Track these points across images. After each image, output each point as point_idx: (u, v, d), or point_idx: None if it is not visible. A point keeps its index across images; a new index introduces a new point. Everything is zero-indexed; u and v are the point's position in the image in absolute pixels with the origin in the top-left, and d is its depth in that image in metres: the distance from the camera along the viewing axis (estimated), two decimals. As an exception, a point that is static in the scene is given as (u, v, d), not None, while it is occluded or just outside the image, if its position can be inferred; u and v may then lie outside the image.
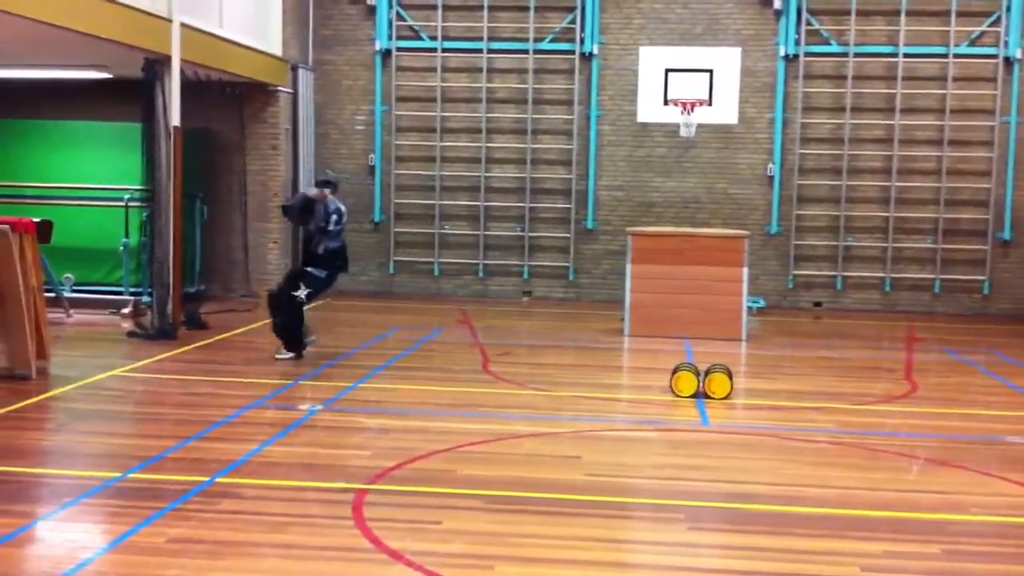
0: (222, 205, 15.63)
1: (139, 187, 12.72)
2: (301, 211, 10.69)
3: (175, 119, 11.98)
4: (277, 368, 10.29)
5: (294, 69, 15.97)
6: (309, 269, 10.64)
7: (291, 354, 10.64)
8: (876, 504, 6.40)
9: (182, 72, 12.10)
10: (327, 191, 10.56)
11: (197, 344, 11.53)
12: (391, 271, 16.96)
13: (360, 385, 9.57)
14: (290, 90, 15.91)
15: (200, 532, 5.59)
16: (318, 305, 15.25)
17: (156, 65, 11.92)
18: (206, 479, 6.48)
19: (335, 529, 5.69)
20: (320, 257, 10.58)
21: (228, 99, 15.11)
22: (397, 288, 16.95)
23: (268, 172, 15.73)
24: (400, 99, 16.82)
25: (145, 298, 13.04)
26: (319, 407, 8.62)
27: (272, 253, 15.78)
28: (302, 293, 10.51)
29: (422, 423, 8.22)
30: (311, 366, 10.37)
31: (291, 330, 10.67)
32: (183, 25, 12.01)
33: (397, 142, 16.83)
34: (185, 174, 12.39)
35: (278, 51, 15.43)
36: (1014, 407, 9.43)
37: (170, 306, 12.02)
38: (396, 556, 5.29)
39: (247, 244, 15.65)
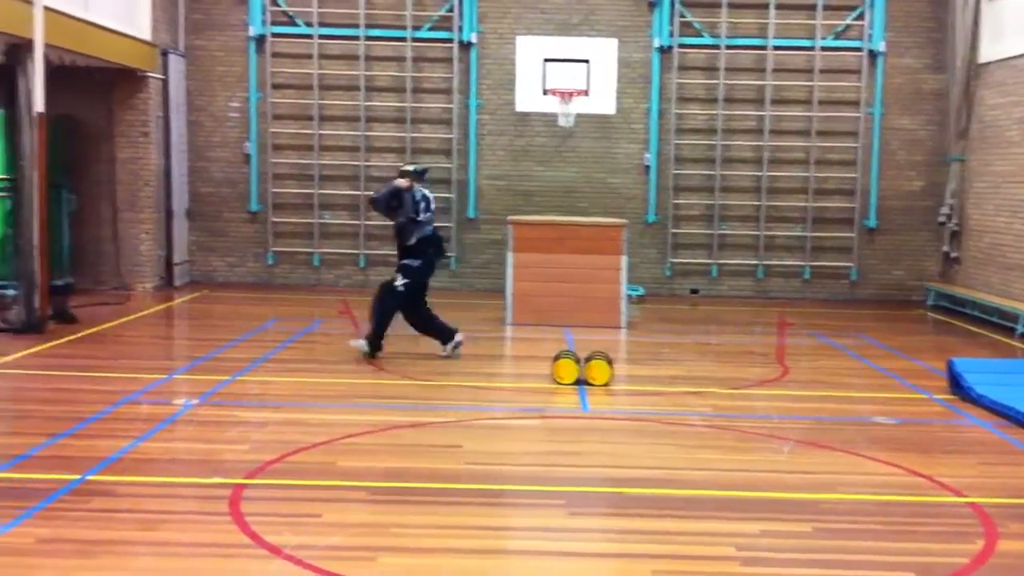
0: (90, 195, 15.11)
1: (1, 176, 12.18)
2: (388, 203, 10.52)
3: (39, 106, 11.52)
4: (151, 363, 9.99)
5: (164, 54, 15.53)
6: (405, 261, 10.55)
7: (367, 348, 10.45)
8: (750, 485, 6.57)
9: (46, 57, 11.64)
10: (412, 180, 10.47)
11: (66, 338, 11.14)
12: (270, 262, 16.67)
13: (238, 378, 9.38)
14: (161, 76, 15.47)
15: (70, 532, 5.41)
16: (195, 297, 14.93)
17: (18, 50, 11.43)
18: (77, 477, 6.27)
19: (211, 525, 5.57)
20: (412, 247, 10.51)
21: (96, 85, 14.61)
22: (276, 279, 16.67)
23: (138, 161, 15.26)
24: (276, 86, 16.52)
25: (10, 291, 12.52)
26: (195, 401, 8.42)
27: (145, 244, 15.34)
28: (400, 283, 10.44)
29: (302, 415, 8.11)
30: (186, 360, 10.13)
31: (380, 320, 10.52)
32: (46, 8, 11.55)
33: (273, 130, 16.54)
34: (50, 163, 11.93)
35: (147, 36, 14.99)
36: (880, 389, 9.78)
37: (37, 299, 11.55)
38: (275, 551, 5.21)
39: (117, 235, 15.18)
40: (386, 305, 10.54)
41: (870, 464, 7.13)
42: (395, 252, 10.83)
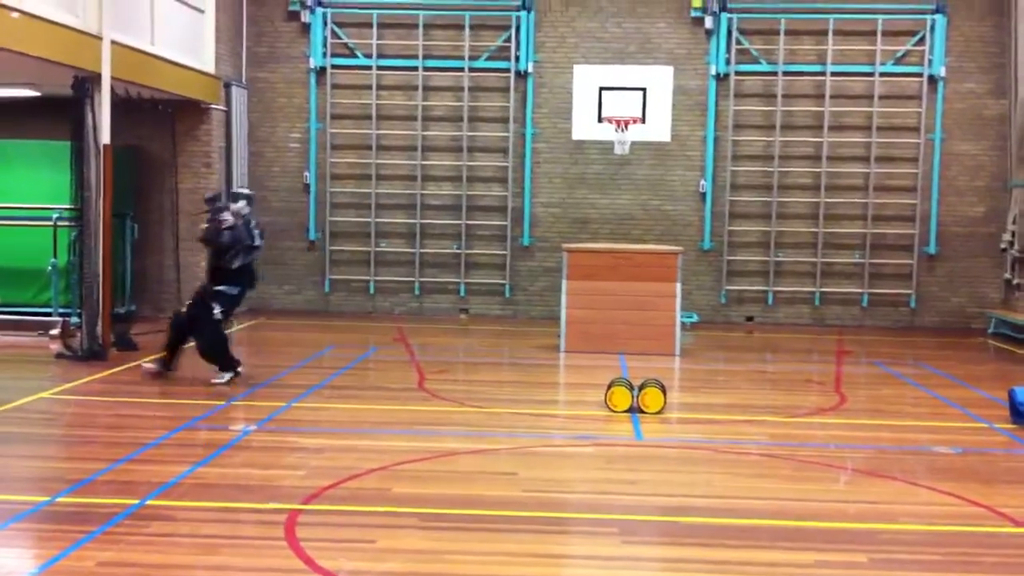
0: (153, 224, 15.42)
1: (68, 206, 12.49)
2: (229, 232, 10.34)
3: (105, 137, 11.83)
4: (209, 390, 10.15)
5: (227, 87, 15.84)
6: (221, 288, 10.38)
7: (229, 374, 10.37)
8: (806, 515, 6.50)
9: (112, 90, 11.95)
10: (242, 204, 10.36)
11: (128, 365, 11.35)
12: (326, 289, 16.86)
13: (294, 405, 9.50)
14: (223, 108, 15.78)
15: (130, 555, 5.50)
16: (252, 324, 15.13)
17: (86, 83, 11.76)
18: (136, 502, 6.38)
19: (267, 550, 5.64)
20: (234, 273, 10.36)
21: (160, 117, 14.92)
22: (332, 307, 16.85)
23: (201, 191, 15.47)
24: (335, 117, 16.77)
25: (74, 319, 12.82)
26: (252, 427, 8.53)
27: (205, 273, 15.58)
28: (218, 311, 10.32)
29: (357, 442, 8.18)
30: (244, 386, 10.25)
31: (218, 351, 10.44)
32: (113, 42, 11.87)
33: (332, 160, 16.77)
34: (115, 193, 12.20)
35: (211, 68, 15.30)
36: (941, 418, 9.64)
37: (100, 327, 11.82)
38: (330, 576, 5.27)
39: (179, 264, 15.43)
40: (214, 338, 10.38)
41: (929, 494, 7.02)
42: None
